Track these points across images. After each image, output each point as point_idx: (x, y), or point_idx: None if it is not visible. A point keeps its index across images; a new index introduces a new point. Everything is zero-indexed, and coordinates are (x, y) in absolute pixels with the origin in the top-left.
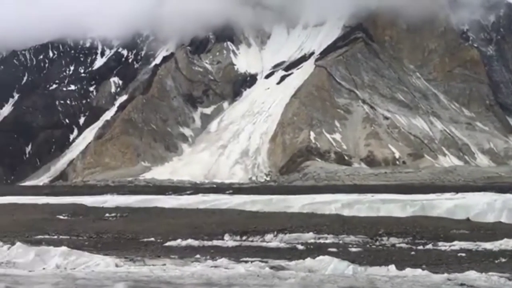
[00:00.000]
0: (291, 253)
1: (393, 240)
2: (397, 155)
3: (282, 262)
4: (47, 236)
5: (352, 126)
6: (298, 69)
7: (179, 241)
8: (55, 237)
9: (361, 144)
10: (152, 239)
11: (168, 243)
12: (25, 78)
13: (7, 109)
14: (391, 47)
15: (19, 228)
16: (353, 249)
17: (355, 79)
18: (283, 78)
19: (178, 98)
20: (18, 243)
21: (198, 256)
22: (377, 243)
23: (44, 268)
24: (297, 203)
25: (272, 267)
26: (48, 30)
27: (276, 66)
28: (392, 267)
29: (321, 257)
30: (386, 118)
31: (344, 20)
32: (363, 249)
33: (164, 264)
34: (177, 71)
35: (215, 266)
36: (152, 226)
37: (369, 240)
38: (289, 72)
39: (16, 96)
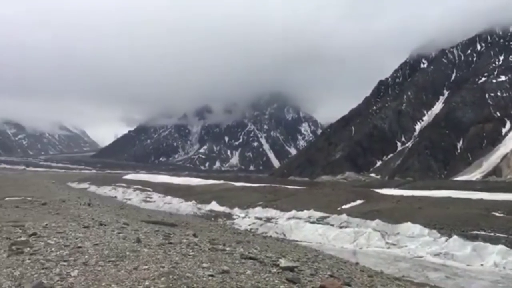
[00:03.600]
0: None
1: None
2: None
3: None
4: (482, 232)
5: None
6: None
7: None
8: (491, 234)
9: None
10: None
11: None
12: (453, 75)
13: (438, 106)
14: None
15: (454, 221)
16: None
17: None
18: None
19: None
20: (454, 236)
21: None
22: None
23: (481, 265)
24: None
25: None
26: (474, 24)
27: None
28: None
29: None
30: None
31: None
32: None
33: None
34: None
35: None
36: None
37: None
38: None
39: (446, 93)
